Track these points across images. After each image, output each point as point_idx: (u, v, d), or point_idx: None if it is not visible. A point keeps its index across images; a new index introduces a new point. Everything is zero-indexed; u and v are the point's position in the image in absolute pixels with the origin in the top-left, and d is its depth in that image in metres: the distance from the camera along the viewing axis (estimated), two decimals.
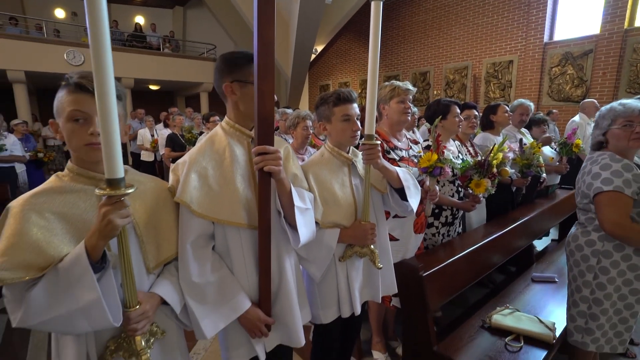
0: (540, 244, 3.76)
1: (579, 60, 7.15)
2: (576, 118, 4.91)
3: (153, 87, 12.94)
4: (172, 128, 5.25)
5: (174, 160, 4.78)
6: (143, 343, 0.93)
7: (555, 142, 3.32)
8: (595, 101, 4.94)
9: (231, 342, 1.18)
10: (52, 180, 0.94)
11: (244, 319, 1.12)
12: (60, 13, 13.11)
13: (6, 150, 3.97)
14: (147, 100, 12.74)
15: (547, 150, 3.18)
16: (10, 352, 2.28)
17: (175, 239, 1.08)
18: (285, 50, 9.90)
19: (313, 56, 11.27)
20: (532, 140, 2.97)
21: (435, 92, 9.83)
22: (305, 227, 1.16)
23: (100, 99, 0.76)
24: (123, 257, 0.87)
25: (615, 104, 1.54)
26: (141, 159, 6.20)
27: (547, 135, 3.39)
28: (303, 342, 1.24)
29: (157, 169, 6.06)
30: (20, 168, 4.62)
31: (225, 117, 1.20)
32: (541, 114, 6.43)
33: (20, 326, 0.83)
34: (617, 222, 1.45)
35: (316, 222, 1.29)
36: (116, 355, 0.94)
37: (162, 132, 5.31)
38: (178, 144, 4.73)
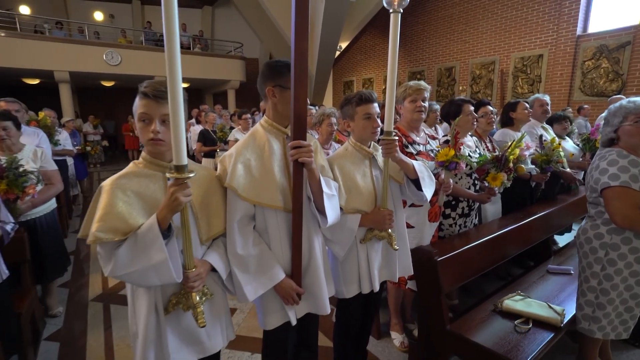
0: (563, 240, 3.76)
1: (614, 53, 6.88)
2: (604, 114, 4.80)
3: (183, 85, 13.50)
4: (203, 124, 5.58)
5: (205, 154, 5.10)
6: (197, 298, 1.16)
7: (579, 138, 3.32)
8: (624, 97, 4.80)
9: (267, 308, 1.39)
10: (130, 167, 1.17)
11: (279, 287, 1.33)
12: (99, 16, 13.91)
13: (60, 144, 4.40)
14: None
15: (569, 146, 3.19)
16: (70, 321, 2.63)
17: (222, 218, 1.30)
18: (310, 48, 10.06)
19: (337, 53, 11.36)
20: (553, 136, 3.00)
21: (460, 88, 9.69)
22: (332, 211, 1.35)
23: (172, 101, 0.98)
24: (184, 228, 1.10)
25: (624, 101, 1.61)
26: None
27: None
28: (328, 310, 1.44)
29: None
30: (70, 161, 5.10)
31: (264, 116, 1.40)
32: (570, 109, 6.25)
33: (110, 276, 1.07)
34: (626, 215, 1.53)
35: (340, 208, 1.47)
36: (177, 307, 1.17)
37: (195, 128, 5.65)
38: (209, 139, 5.04)
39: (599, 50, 7.11)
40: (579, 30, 7.37)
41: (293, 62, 1.16)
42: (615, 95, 6.00)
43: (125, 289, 2.58)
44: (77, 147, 5.58)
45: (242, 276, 1.26)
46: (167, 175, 1.02)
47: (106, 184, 1.11)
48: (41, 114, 4.08)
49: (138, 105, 1.13)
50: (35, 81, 11.48)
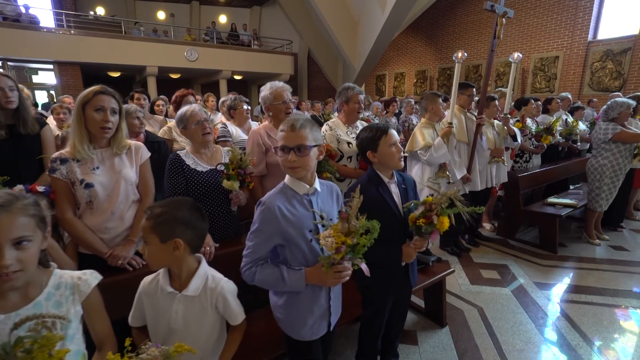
0: None
1: (618, 57, 8.49)
2: (604, 107, 6.65)
3: (237, 77, 15.31)
4: (303, 110, 7.49)
5: None
6: None
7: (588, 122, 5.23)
8: (620, 94, 6.61)
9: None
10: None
11: (464, 176, 3.26)
12: (161, 15, 15.65)
13: None
14: (232, 88, 15.17)
15: (581, 126, 5.11)
16: None
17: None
18: (353, 46, 11.59)
19: None
20: (574, 119, 4.91)
21: None
22: (486, 145, 3.28)
23: (453, 94, 2.90)
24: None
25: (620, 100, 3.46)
26: None
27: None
28: (479, 189, 3.38)
29: None
30: None
31: (456, 105, 3.31)
32: (579, 102, 8.06)
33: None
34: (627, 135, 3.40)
35: None
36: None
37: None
38: (318, 122, 6.95)
39: (606, 54, 8.72)
40: (589, 37, 8.93)
41: (483, 83, 3.09)
42: (616, 91, 7.81)
43: None
44: None
45: (454, 167, 3.19)
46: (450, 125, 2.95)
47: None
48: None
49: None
50: (117, 74, 13.33)
